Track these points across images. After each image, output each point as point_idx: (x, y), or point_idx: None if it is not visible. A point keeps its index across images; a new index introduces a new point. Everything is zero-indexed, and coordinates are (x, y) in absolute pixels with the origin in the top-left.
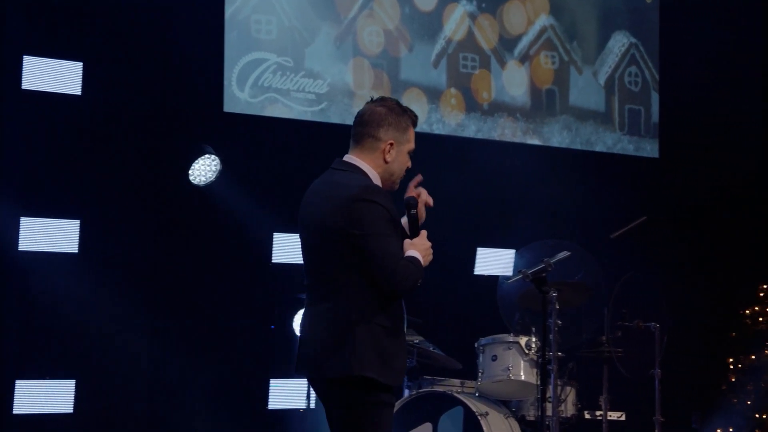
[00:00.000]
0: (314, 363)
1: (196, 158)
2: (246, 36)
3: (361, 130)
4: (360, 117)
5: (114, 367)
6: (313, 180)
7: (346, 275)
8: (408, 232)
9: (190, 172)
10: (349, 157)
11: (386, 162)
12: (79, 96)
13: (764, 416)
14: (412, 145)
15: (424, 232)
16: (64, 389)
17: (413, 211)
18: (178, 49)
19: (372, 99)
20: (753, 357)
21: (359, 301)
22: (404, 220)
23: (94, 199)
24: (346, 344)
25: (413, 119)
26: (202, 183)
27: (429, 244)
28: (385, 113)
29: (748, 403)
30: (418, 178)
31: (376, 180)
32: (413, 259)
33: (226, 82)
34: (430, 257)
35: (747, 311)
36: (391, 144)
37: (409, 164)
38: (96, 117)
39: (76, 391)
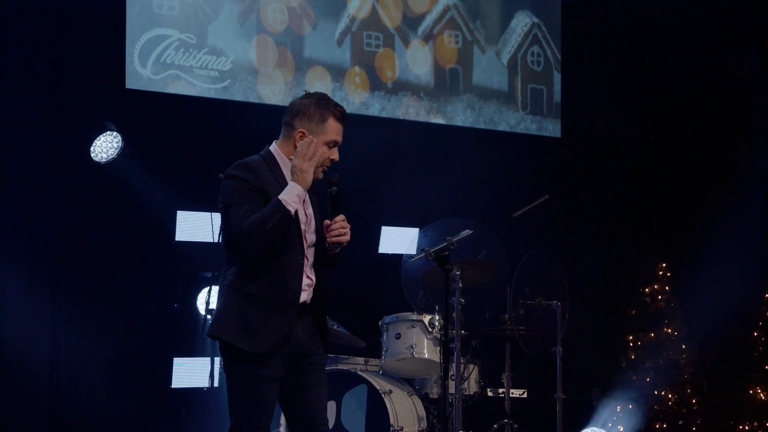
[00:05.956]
0: None
1: (98, 135)
2: (148, 12)
3: (283, 120)
4: (287, 108)
5: (15, 345)
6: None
7: (228, 247)
8: (329, 210)
9: (91, 149)
10: (272, 146)
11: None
12: None
13: (662, 392)
14: (330, 137)
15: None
16: None
17: (333, 189)
18: (79, 24)
19: (305, 93)
20: (652, 334)
21: (232, 269)
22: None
23: None
24: (216, 310)
25: (336, 113)
26: (104, 160)
27: (309, 160)
28: (304, 104)
29: (647, 379)
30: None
31: (287, 168)
32: (270, 206)
33: (128, 59)
34: (308, 173)
35: (646, 290)
36: (302, 133)
37: (334, 156)
38: None
39: None
